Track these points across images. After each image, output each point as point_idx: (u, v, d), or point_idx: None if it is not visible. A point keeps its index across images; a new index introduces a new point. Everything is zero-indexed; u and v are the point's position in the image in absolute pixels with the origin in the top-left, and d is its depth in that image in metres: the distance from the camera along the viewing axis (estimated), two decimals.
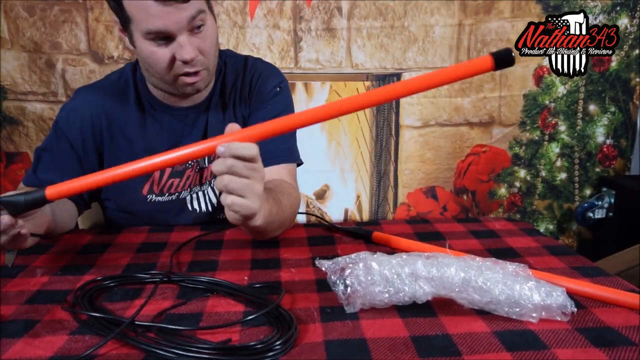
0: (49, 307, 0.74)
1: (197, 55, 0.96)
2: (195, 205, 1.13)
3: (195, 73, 0.99)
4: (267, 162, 1.03)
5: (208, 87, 1.10)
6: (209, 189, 1.13)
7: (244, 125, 0.77)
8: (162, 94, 1.08)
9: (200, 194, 1.13)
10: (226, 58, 1.15)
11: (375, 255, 0.76)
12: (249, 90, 1.12)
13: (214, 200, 1.13)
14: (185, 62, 0.96)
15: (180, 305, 0.75)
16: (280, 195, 0.95)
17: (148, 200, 1.11)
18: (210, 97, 1.11)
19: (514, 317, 0.71)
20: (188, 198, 1.13)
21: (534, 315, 0.70)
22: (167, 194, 1.11)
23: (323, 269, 0.79)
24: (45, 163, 1.07)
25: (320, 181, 2.04)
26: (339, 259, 0.79)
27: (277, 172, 1.08)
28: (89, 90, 1.11)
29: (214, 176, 0.96)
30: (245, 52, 1.87)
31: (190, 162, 1.08)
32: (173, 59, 0.96)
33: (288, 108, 1.15)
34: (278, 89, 1.13)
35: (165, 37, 0.94)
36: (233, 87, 1.12)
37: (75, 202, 1.09)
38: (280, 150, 1.10)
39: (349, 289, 0.73)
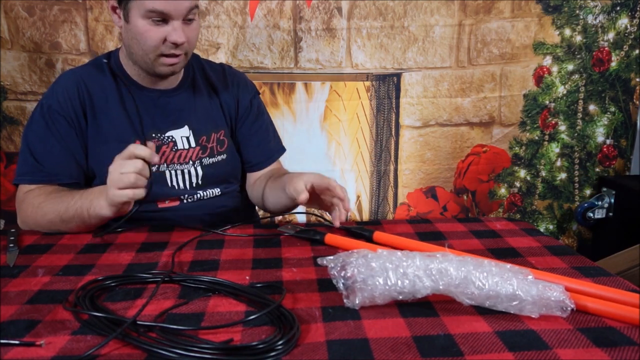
0: (51, 307, 0.74)
1: (185, 41, 1.09)
2: (174, 182, 1.20)
3: (176, 56, 1.11)
4: (268, 163, 1.31)
5: (179, 75, 1.22)
6: (192, 169, 1.21)
7: (222, 109, 1.25)
8: (137, 75, 1.19)
9: (179, 172, 1.21)
10: (200, 58, 1.31)
11: (375, 252, 0.77)
12: (236, 91, 1.29)
13: (194, 180, 1.22)
14: (175, 44, 1.08)
15: (181, 305, 0.75)
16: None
17: None
18: (181, 85, 1.23)
19: (512, 312, 0.71)
20: (167, 174, 1.20)
21: (533, 309, 0.71)
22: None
23: (324, 263, 0.79)
24: (47, 153, 1.13)
25: None
26: (341, 254, 0.79)
27: (276, 165, 1.33)
28: (69, 72, 1.22)
29: (199, 158, 1.21)
30: (245, 52, 1.89)
31: (166, 140, 1.19)
32: (163, 40, 1.08)
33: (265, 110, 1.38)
34: (259, 95, 1.36)
35: (162, 20, 1.07)
36: (212, 79, 1.27)
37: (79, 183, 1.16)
38: (269, 153, 1.32)
39: (349, 281, 0.74)
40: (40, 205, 1.07)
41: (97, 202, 1.01)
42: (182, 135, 1.21)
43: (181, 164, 1.20)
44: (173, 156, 1.19)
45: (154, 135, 1.18)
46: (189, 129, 1.21)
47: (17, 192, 1.14)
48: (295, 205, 1.14)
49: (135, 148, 0.96)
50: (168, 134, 1.20)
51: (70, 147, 1.14)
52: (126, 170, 0.95)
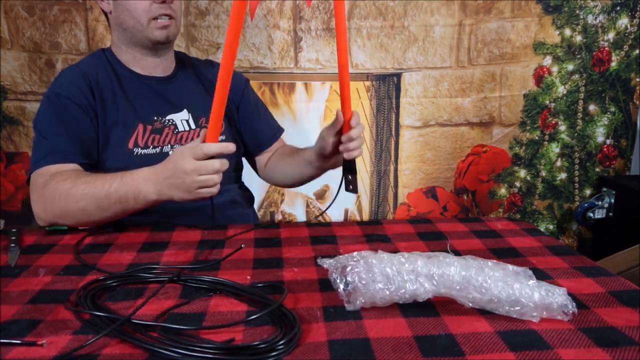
0: (52, 307, 0.74)
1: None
2: None
3: (167, 17, 1.17)
4: (271, 142, 1.41)
5: (172, 62, 1.28)
6: None
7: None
8: (133, 62, 1.23)
9: None
10: (187, 55, 1.39)
11: (376, 254, 0.76)
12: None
13: None
14: (163, 2, 1.15)
15: (183, 305, 0.75)
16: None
17: (135, 153, 1.18)
18: (175, 74, 1.29)
19: (514, 316, 0.71)
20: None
21: (535, 314, 0.70)
22: (151, 147, 1.20)
23: (325, 266, 0.79)
24: (61, 135, 1.12)
25: (320, 181, 2.03)
26: (341, 257, 0.79)
27: (280, 143, 1.43)
28: (72, 66, 1.25)
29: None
30: (245, 52, 1.89)
31: (167, 122, 1.23)
32: (150, 4, 1.15)
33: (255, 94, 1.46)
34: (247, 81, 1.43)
35: None
36: (203, 72, 1.33)
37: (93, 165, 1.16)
38: (274, 130, 1.43)
39: (349, 286, 0.73)
40: (70, 191, 1.02)
41: (145, 189, 0.99)
42: (182, 119, 1.25)
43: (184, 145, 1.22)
44: (175, 138, 1.23)
45: (155, 118, 1.22)
46: (188, 113, 1.26)
47: (33, 184, 1.09)
48: (318, 171, 1.29)
49: (208, 148, 0.94)
50: (169, 117, 1.23)
51: (84, 130, 1.15)
52: (207, 171, 0.94)
